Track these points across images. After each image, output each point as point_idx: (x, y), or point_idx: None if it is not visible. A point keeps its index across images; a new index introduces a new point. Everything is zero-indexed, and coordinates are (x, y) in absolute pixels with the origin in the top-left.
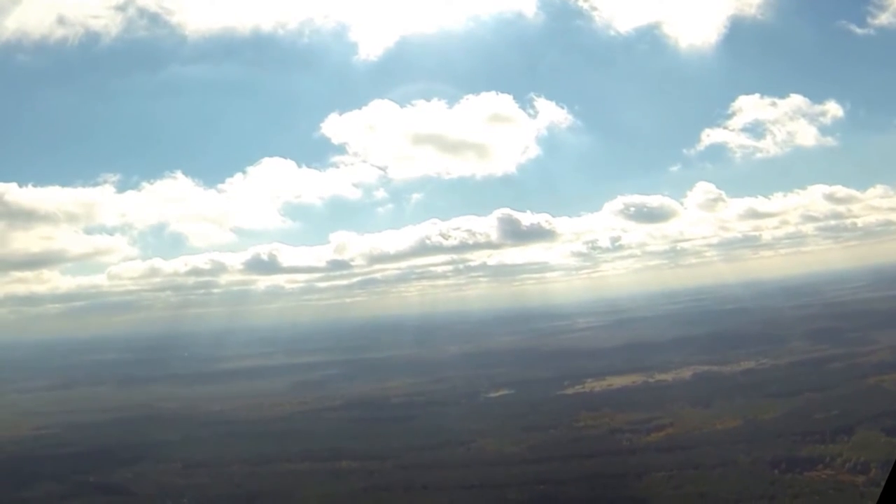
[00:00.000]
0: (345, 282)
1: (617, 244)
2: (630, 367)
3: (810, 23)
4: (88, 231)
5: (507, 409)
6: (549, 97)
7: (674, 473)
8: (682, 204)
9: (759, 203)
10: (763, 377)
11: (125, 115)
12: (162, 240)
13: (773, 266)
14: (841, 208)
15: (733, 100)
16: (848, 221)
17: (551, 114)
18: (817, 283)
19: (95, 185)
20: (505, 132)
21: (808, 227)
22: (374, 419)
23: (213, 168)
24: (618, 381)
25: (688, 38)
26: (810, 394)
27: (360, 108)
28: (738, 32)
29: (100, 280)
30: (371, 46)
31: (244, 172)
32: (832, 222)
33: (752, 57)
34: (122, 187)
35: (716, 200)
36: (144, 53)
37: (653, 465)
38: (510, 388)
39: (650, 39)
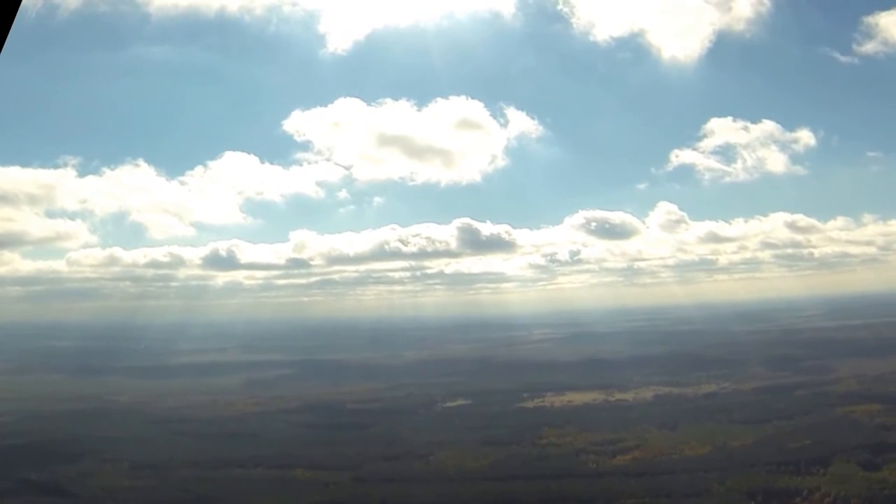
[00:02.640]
0: (303, 281)
1: (576, 258)
2: (589, 384)
3: (795, 45)
4: (49, 214)
5: (465, 420)
6: (521, 106)
7: (645, 501)
8: (644, 223)
9: (720, 227)
10: (727, 402)
11: (85, 95)
12: (122, 229)
13: (725, 290)
14: (800, 237)
15: (706, 121)
16: (805, 251)
17: (521, 124)
18: (770, 310)
19: (55, 167)
20: (473, 140)
21: (766, 254)
22: (329, 425)
23: (175, 157)
24: (578, 398)
25: (670, 49)
26: (779, 422)
27: (325, 104)
28: (722, 48)
29: (59, 265)
30: (340, 39)
31: (205, 165)
32: (789, 251)
33: (731, 76)
34: (82, 171)
35: (678, 222)
36: (106, 30)
37: (622, 490)
38: (468, 398)
39: (632, 48)
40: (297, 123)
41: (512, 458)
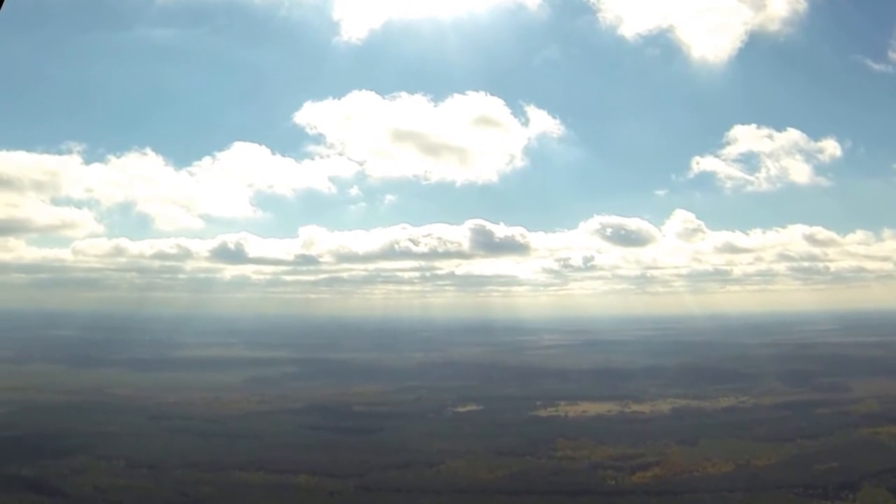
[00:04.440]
0: (311, 277)
1: (589, 264)
2: (603, 394)
3: (828, 49)
4: (55, 202)
5: (477, 427)
6: (542, 104)
7: None
8: (660, 230)
9: (738, 238)
10: (747, 417)
11: (89, 79)
12: (129, 219)
13: (737, 301)
14: (817, 250)
15: (730, 128)
16: (821, 265)
17: (542, 123)
18: (783, 323)
19: (60, 153)
20: (491, 138)
21: (781, 267)
22: (335, 428)
23: (183, 147)
24: (592, 408)
25: (700, 48)
26: (803, 441)
27: (338, 96)
28: (753, 50)
29: (65, 254)
30: (355, 27)
31: (213, 157)
32: (805, 264)
33: (760, 80)
34: (88, 158)
35: (695, 231)
36: (112, 12)
37: None
38: (479, 404)
39: (660, 45)
40: (309, 115)
41: (527, 470)
